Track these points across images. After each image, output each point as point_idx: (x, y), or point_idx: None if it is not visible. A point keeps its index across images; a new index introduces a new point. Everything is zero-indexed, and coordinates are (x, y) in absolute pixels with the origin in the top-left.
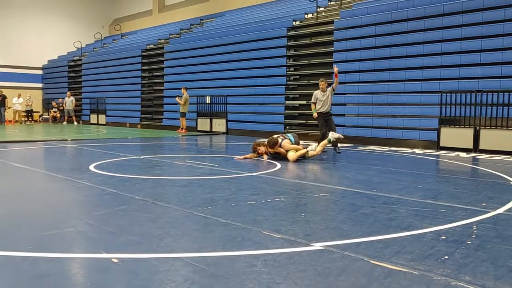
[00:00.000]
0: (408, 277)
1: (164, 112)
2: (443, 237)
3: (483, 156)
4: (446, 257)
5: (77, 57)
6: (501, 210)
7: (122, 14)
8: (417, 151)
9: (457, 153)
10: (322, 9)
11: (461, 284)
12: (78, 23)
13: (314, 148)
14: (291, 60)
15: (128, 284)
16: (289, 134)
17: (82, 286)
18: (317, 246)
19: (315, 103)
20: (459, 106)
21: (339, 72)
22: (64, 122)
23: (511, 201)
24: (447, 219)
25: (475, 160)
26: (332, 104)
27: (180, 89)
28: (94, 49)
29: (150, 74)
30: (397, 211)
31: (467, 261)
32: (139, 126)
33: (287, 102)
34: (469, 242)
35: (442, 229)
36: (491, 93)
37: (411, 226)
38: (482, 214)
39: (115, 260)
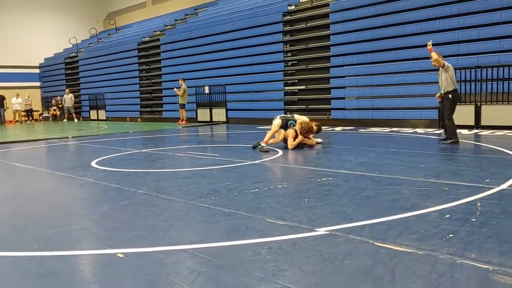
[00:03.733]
0: (414, 257)
1: (163, 105)
2: (447, 216)
3: (485, 132)
4: (451, 235)
5: (74, 54)
6: (504, 186)
7: (116, 7)
8: (418, 130)
9: (459, 130)
10: None
11: (466, 261)
12: (72, 19)
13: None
14: (288, 45)
15: (134, 279)
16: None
17: (88, 283)
18: (322, 231)
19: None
20: (459, 83)
21: (433, 44)
22: (65, 120)
23: None
24: (450, 198)
25: (477, 137)
26: (332, 88)
27: (178, 80)
28: (90, 45)
29: (148, 67)
30: (400, 192)
31: (472, 238)
32: (139, 119)
33: (286, 88)
34: (474, 220)
35: (446, 207)
36: (490, 68)
37: (415, 206)
38: (485, 190)
39: (121, 255)
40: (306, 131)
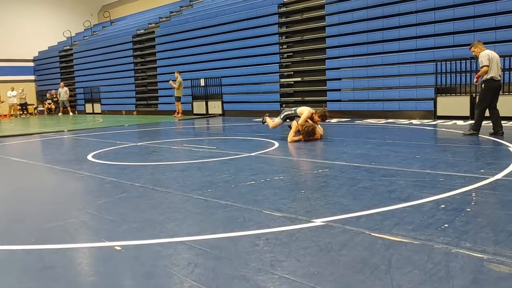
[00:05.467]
0: (409, 247)
1: (159, 98)
2: (443, 206)
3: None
4: (446, 225)
5: (68, 47)
6: (499, 176)
7: (110, 0)
8: (414, 121)
9: (454, 121)
10: None
11: (461, 251)
12: (66, 12)
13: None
14: (283, 37)
15: (132, 271)
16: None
17: (86, 276)
18: (318, 222)
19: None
20: (454, 74)
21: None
22: (60, 113)
23: (509, 166)
24: (446, 188)
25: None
26: (328, 79)
27: (174, 73)
28: (84, 38)
29: (143, 60)
30: (396, 183)
31: (467, 228)
32: (135, 113)
33: (281, 80)
34: (469, 209)
35: (442, 198)
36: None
37: (411, 197)
38: (481, 180)
39: (118, 248)
40: (307, 134)
